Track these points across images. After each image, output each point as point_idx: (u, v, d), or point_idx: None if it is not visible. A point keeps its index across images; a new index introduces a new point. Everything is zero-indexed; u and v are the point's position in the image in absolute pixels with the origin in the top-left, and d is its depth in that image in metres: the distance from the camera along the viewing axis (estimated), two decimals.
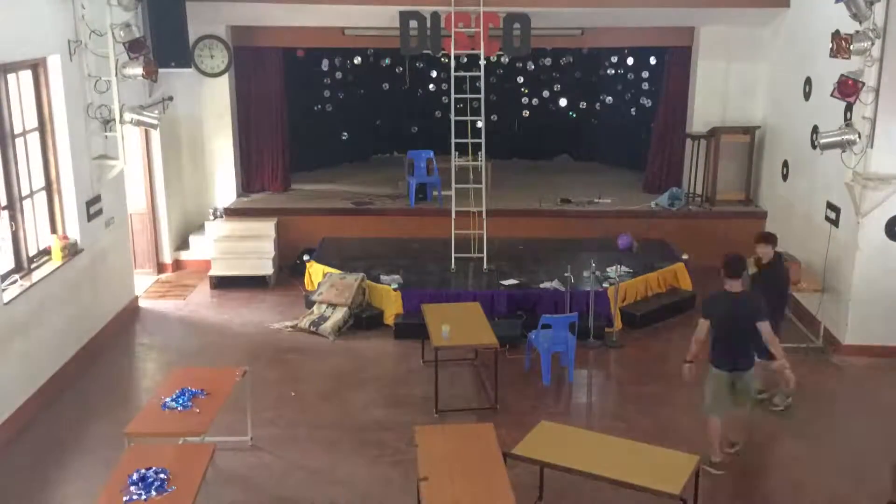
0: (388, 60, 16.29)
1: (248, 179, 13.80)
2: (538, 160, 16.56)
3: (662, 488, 5.85)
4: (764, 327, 7.07)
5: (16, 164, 8.63)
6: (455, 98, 11.58)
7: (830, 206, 10.16)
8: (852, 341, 9.71)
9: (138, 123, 10.26)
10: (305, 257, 12.15)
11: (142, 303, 11.46)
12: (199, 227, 12.91)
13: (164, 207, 12.41)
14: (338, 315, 10.50)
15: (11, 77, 8.61)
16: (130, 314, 11.02)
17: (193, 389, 7.02)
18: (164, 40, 11.26)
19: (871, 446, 7.84)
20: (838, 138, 9.30)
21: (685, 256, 11.74)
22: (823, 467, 7.58)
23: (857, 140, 9.17)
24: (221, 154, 13.27)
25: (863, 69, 8.98)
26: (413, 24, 11.77)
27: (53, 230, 9.42)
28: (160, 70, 10.60)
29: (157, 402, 6.95)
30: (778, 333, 7.56)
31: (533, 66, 16.69)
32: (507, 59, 15.60)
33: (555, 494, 6.84)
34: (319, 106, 16.12)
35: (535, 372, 9.29)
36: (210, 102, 12.97)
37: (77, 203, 9.57)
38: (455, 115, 11.46)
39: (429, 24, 11.76)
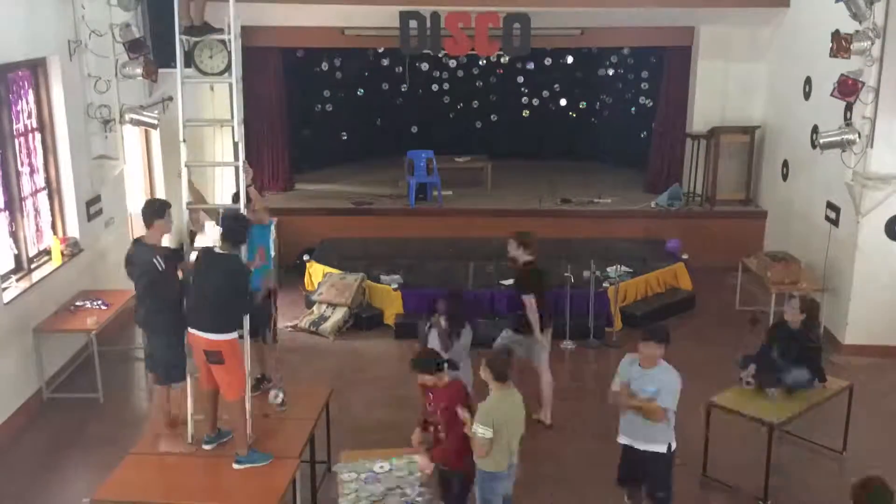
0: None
1: None
2: (538, 160, 16.56)
3: None
4: None
5: (16, 164, 8.63)
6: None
7: (830, 205, 10.15)
8: (852, 341, 9.72)
9: (138, 123, 10.26)
10: (305, 257, 12.15)
11: None
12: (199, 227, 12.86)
13: None
14: (338, 315, 10.51)
15: (11, 77, 8.61)
16: (130, 314, 10.97)
17: None
18: (164, 40, 11.23)
19: (872, 447, 7.84)
20: (838, 138, 9.31)
21: (685, 256, 11.75)
22: (824, 468, 7.58)
23: (857, 140, 9.18)
24: (221, 154, 13.24)
25: (863, 69, 9.00)
26: (413, 23, 11.79)
27: (54, 230, 9.41)
28: (160, 70, 10.60)
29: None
30: None
31: (533, 66, 16.68)
32: (506, 59, 15.60)
33: None
34: (319, 106, 16.12)
35: (533, 373, 9.29)
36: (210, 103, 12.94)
37: (77, 203, 9.57)
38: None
39: (429, 24, 11.77)
